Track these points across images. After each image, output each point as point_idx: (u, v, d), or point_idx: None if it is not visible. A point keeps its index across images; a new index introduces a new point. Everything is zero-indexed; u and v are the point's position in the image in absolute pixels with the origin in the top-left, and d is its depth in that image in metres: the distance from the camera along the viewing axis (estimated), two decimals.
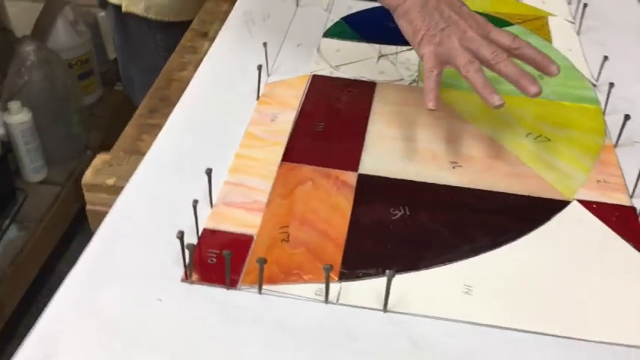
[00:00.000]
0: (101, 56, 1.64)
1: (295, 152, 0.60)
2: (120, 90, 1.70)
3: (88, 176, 0.59)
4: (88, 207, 0.59)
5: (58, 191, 1.36)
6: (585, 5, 0.78)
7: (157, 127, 0.65)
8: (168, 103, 0.69)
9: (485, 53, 0.57)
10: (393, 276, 0.44)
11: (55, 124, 1.36)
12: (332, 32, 0.79)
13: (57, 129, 1.37)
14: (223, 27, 0.79)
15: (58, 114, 1.36)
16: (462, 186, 0.57)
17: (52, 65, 1.33)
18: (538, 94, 0.55)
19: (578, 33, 0.79)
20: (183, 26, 0.90)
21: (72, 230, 1.43)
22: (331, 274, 0.47)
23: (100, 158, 0.61)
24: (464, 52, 0.57)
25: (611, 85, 0.65)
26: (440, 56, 0.58)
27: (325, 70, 0.72)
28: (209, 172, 0.52)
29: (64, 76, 1.36)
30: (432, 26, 0.58)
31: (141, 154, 0.61)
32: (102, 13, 1.71)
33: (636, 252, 0.51)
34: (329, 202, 0.54)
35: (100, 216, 0.56)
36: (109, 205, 0.56)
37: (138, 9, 0.92)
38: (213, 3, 0.88)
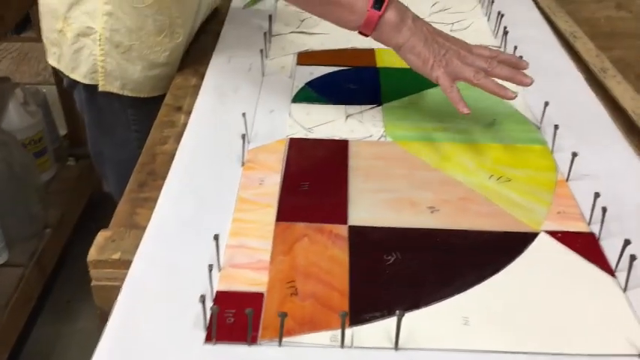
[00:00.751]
0: (53, 133, 1.64)
1: (287, 212, 0.65)
2: (73, 165, 1.71)
3: (92, 254, 0.61)
4: (93, 283, 0.61)
5: (21, 272, 1.34)
6: (521, 57, 0.88)
7: (150, 200, 0.68)
8: (156, 177, 0.73)
9: (480, 64, 0.73)
10: (403, 316, 0.49)
11: (14, 205, 1.35)
12: (300, 97, 0.85)
13: (16, 210, 1.35)
14: (197, 100, 0.84)
15: (16, 195, 1.35)
16: (443, 228, 0.63)
17: (9, 147, 1.33)
18: (531, 83, 0.73)
19: None
20: (153, 100, 0.96)
21: (36, 311, 1.40)
22: None
23: (101, 235, 0.63)
24: (467, 67, 0.72)
25: (556, 127, 0.74)
26: (450, 74, 0.73)
27: (300, 133, 0.78)
28: (217, 237, 0.56)
29: (20, 157, 1.36)
30: (436, 54, 0.73)
31: (139, 227, 0.64)
32: (43, 89, 1.73)
33: (602, 272, 0.58)
34: (327, 255, 0.59)
35: (107, 290, 0.58)
36: (116, 278, 0.58)
37: (114, 87, 0.95)
38: (182, 78, 0.93)
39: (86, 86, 0.96)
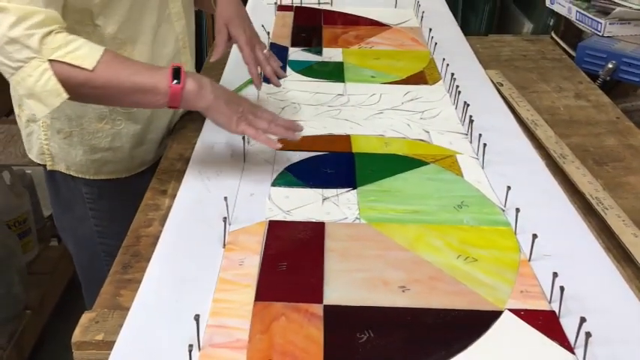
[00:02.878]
0: (37, 214, 1.67)
1: (265, 292, 0.68)
2: (56, 246, 1.72)
3: (76, 335, 0.63)
4: None
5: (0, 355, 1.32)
6: (485, 145, 0.95)
7: (133, 282, 0.71)
8: (140, 258, 0.76)
9: (263, 125, 0.89)
10: None
11: None
12: (279, 181, 0.90)
13: None
14: (182, 184, 0.89)
15: None
16: (413, 307, 0.66)
17: None
18: (300, 130, 0.93)
19: (482, 167, 0.95)
20: (107, 182, 1.04)
21: None
22: None
23: (85, 317, 0.65)
24: (257, 123, 0.88)
25: (518, 210, 0.79)
26: (254, 126, 0.88)
27: (279, 215, 0.82)
28: (197, 317, 0.59)
29: (5, 238, 1.38)
30: (237, 111, 0.87)
31: (123, 308, 0.67)
32: (29, 171, 1.76)
33: (562, 349, 0.61)
34: (303, 334, 0.62)
35: None
36: (99, 359, 0.60)
37: (61, 167, 1.02)
38: (168, 163, 0.98)
39: (44, 166, 1.04)
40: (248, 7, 1.59)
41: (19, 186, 1.55)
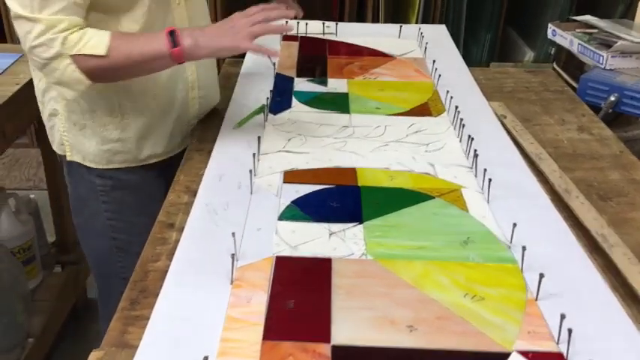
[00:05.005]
0: (42, 240, 1.67)
1: (273, 330, 0.68)
2: (59, 272, 1.72)
3: None
4: None
5: None
6: (490, 180, 0.96)
7: (141, 319, 0.72)
8: (147, 294, 0.76)
9: (258, 17, 1.00)
10: None
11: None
12: (286, 215, 0.91)
13: (1, 320, 1.35)
14: (189, 218, 0.89)
15: (2, 305, 1.36)
16: (421, 347, 0.66)
17: None
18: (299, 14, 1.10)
19: (487, 202, 0.96)
20: (118, 174, 1.13)
21: None
22: None
23: (94, 356, 0.65)
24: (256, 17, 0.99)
25: (524, 248, 0.79)
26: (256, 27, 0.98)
27: (286, 251, 0.83)
28: (206, 359, 0.59)
29: (9, 266, 1.38)
30: (234, 29, 0.98)
31: (131, 347, 0.67)
32: (32, 195, 1.77)
33: None
34: None
35: None
36: None
37: (78, 158, 1.13)
38: (175, 195, 0.98)
39: (63, 158, 1.15)
40: None
41: (24, 212, 1.56)
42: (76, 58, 0.93)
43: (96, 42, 0.93)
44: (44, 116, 1.15)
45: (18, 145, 2.58)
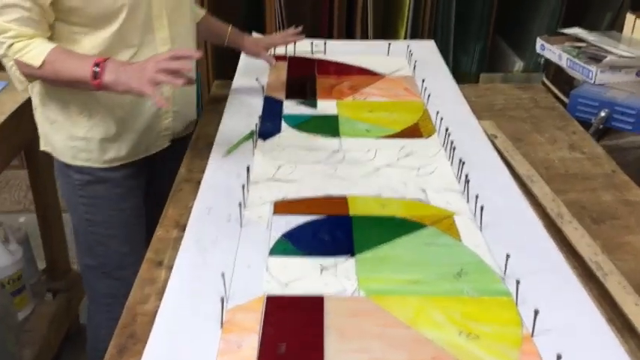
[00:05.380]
0: (32, 268, 1.65)
1: None
2: (50, 300, 1.70)
3: None
4: None
5: None
6: (482, 207, 0.95)
7: None
8: (136, 340, 0.75)
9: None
10: None
11: None
12: (277, 250, 0.90)
13: None
14: (178, 255, 0.88)
15: None
16: None
17: None
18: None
19: (480, 229, 0.95)
20: (94, 170, 1.20)
21: None
22: None
23: None
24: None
25: (518, 282, 0.78)
26: (151, 82, 1.01)
27: (276, 289, 0.81)
28: None
29: None
30: (144, 75, 1.01)
31: None
32: (22, 219, 1.75)
33: None
34: None
35: None
36: None
37: (47, 149, 1.23)
38: (163, 230, 0.97)
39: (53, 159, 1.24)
40: (242, 58, 1.61)
41: (13, 242, 1.54)
42: (17, 63, 1.05)
43: (35, 53, 1.04)
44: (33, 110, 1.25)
45: (8, 167, 2.56)
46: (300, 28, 1.46)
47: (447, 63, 2.32)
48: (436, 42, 2.32)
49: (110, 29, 1.10)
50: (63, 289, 1.70)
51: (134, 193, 1.25)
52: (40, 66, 1.04)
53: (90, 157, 1.20)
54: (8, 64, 1.07)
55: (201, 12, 1.39)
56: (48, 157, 1.27)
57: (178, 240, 0.92)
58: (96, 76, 1.03)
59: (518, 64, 2.42)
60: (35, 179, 1.62)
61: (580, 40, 1.59)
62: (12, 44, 1.04)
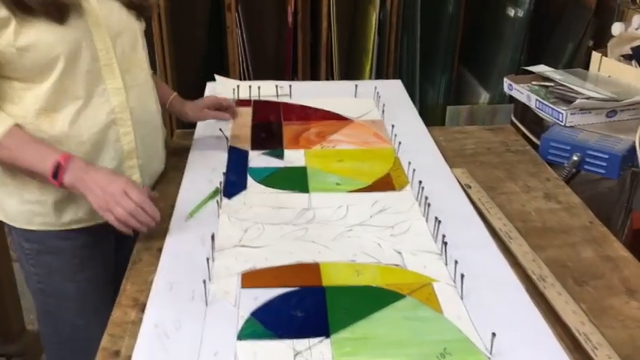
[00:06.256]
0: None
1: None
2: None
3: None
4: None
5: None
6: (462, 275, 0.90)
7: None
8: None
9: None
10: None
11: None
12: (246, 333, 0.83)
13: None
14: (136, 345, 0.80)
15: None
16: None
17: None
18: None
19: (461, 297, 0.90)
20: (43, 237, 1.11)
21: None
22: None
23: None
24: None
25: None
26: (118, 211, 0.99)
27: None
28: None
29: None
30: (107, 200, 0.99)
31: None
32: None
33: None
34: None
35: None
36: None
37: (1, 215, 1.13)
38: (121, 312, 0.89)
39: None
40: None
41: None
42: None
43: None
44: None
45: None
46: None
47: (414, 95, 2.31)
48: (402, 76, 2.31)
49: (50, 81, 1.00)
50: (17, 353, 1.59)
51: (92, 263, 1.15)
52: None
53: (45, 220, 1.10)
54: None
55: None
56: None
57: (137, 323, 0.85)
58: (55, 174, 0.98)
59: (484, 96, 2.42)
60: None
61: (546, 78, 1.58)
62: None
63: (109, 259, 1.20)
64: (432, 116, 2.38)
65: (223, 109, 1.37)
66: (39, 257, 1.13)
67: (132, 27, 1.11)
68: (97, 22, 1.03)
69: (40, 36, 0.97)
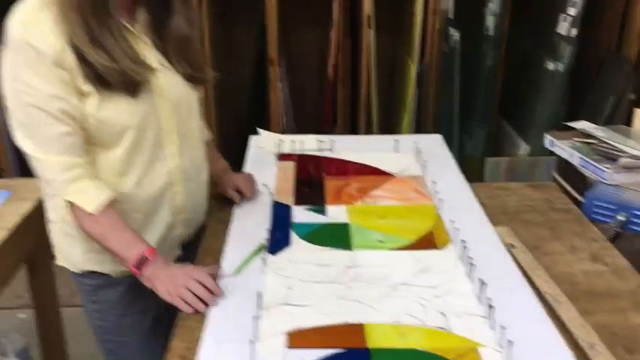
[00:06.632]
0: None
1: None
2: None
3: None
4: None
5: None
6: (510, 342, 0.89)
7: None
8: None
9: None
10: None
11: None
12: None
13: None
14: None
15: None
16: None
17: None
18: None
19: None
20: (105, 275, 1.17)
21: None
22: None
23: None
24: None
25: None
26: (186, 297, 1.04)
27: None
28: None
29: None
30: (174, 290, 1.03)
31: None
32: (22, 315, 1.68)
33: None
34: None
35: None
36: None
37: (63, 263, 1.20)
38: None
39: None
40: (248, 158, 1.59)
41: (11, 355, 1.47)
42: (72, 206, 1.06)
43: (91, 197, 1.05)
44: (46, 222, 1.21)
45: None
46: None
47: (452, 147, 2.32)
48: (440, 128, 2.33)
49: (120, 149, 1.08)
50: None
51: (144, 295, 1.15)
52: (92, 218, 1.05)
53: (103, 268, 1.17)
54: (59, 201, 1.06)
55: (208, 135, 1.36)
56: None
57: None
58: (139, 264, 1.05)
59: (524, 148, 2.42)
60: (33, 274, 1.58)
61: (589, 135, 1.58)
62: (71, 182, 1.04)
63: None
64: (470, 168, 2.38)
65: (242, 192, 1.36)
66: (99, 292, 1.20)
67: (190, 97, 1.18)
68: (162, 94, 1.11)
69: (116, 109, 1.04)
